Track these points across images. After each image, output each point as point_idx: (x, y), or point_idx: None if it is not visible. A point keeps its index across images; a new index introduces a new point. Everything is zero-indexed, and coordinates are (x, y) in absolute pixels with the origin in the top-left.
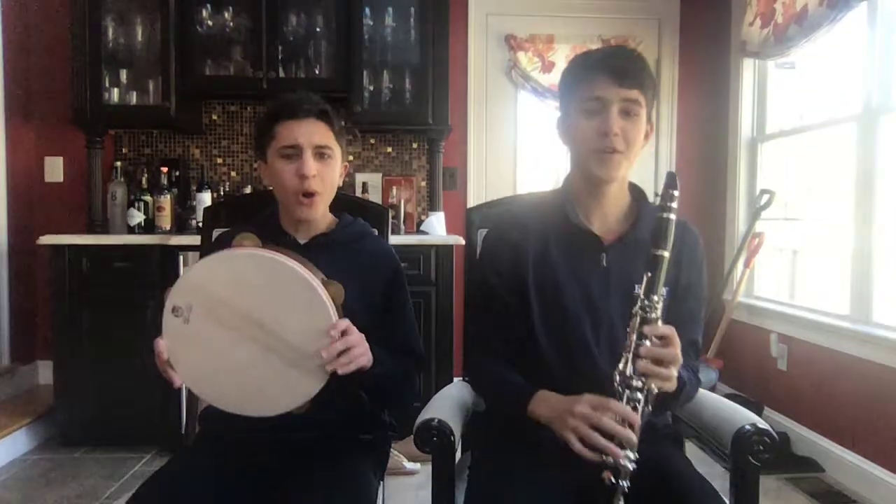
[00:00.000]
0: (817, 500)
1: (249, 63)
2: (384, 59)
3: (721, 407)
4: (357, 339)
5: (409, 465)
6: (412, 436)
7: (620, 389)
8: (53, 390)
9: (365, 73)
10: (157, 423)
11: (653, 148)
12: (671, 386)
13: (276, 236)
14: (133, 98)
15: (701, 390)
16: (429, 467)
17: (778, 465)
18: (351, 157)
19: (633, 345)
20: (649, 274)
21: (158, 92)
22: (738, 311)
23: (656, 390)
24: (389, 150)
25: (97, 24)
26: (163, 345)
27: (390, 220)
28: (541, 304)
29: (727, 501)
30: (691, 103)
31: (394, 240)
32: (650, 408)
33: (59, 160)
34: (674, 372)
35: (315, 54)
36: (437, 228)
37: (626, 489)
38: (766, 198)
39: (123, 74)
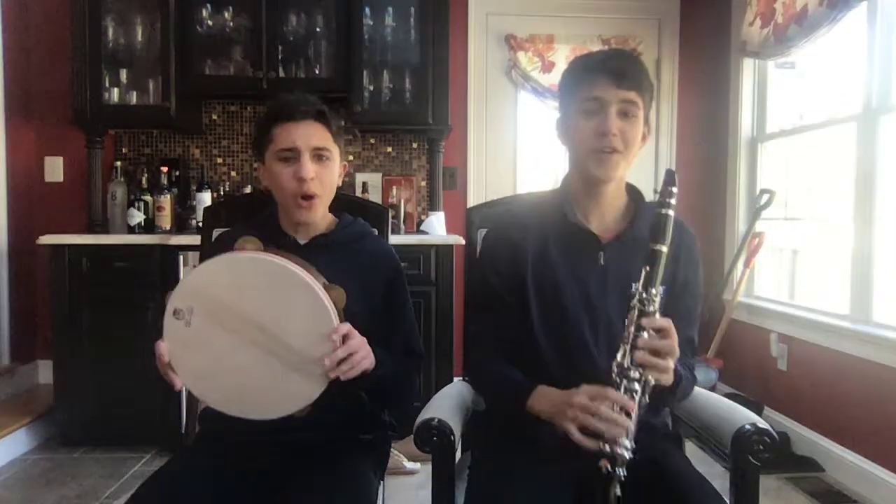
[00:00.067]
0: (817, 500)
1: (249, 63)
2: (384, 59)
3: (721, 407)
4: (358, 343)
5: (409, 465)
6: (412, 436)
7: (618, 380)
8: (53, 390)
9: (365, 73)
10: (157, 423)
11: (652, 148)
12: (668, 379)
13: (275, 237)
14: (133, 98)
15: (701, 390)
16: (429, 467)
17: (778, 465)
18: (351, 157)
19: (631, 336)
20: (647, 268)
21: (158, 92)
22: (738, 310)
23: (653, 382)
24: (389, 149)
25: (97, 24)
26: (164, 347)
27: (390, 219)
28: (540, 303)
29: (727, 501)
30: (691, 103)
31: (394, 240)
32: (647, 399)
33: (59, 160)
34: (671, 364)
35: (315, 54)
36: (437, 228)
37: (623, 477)
38: (766, 198)
39: (123, 74)
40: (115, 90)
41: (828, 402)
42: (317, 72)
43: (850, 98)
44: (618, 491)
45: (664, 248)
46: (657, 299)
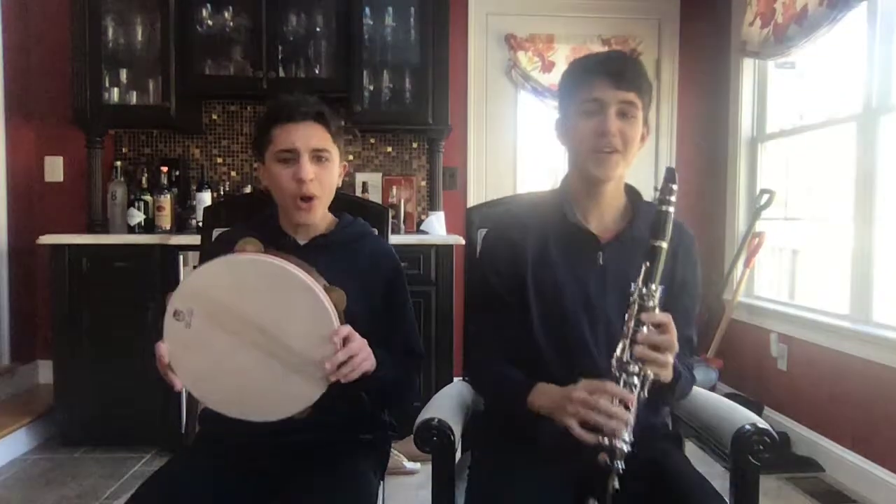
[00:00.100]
0: (817, 500)
1: (249, 63)
2: (384, 59)
3: (721, 407)
4: (359, 345)
5: (409, 465)
6: (412, 436)
7: (617, 374)
8: (53, 390)
9: (365, 72)
10: (157, 423)
11: (652, 148)
12: (667, 374)
13: (275, 237)
14: (133, 98)
15: (701, 390)
16: (429, 467)
17: (778, 465)
18: (351, 157)
19: (631, 331)
20: (647, 263)
21: (158, 92)
22: (738, 310)
23: (652, 376)
24: (389, 149)
25: (97, 24)
26: (164, 348)
27: (390, 219)
28: (539, 303)
29: (727, 501)
30: (691, 103)
31: (394, 239)
32: (646, 393)
33: (59, 160)
34: (670, 359)
35: (315, 54)
36: (437, 228)
37: (622, 470)
38: (766, 198)
39: (123, 74)
40: (115, 90)
41: (828, 402)
42: (317, 72)
43: (850, 98)
44: (616, 484)
45: (664, 245)
46: (657, 294)
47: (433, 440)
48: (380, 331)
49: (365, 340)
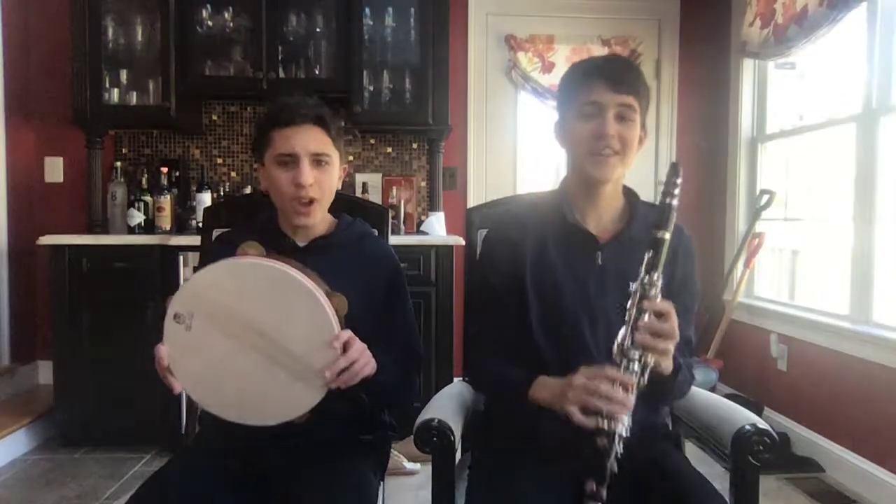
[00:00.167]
0: (817, 500)
1: (249, 63)
2: (384, 59)
3: (721, 407)
4: (359, 351)
5: (409, 465)
6: (412, 436)
7: (618, 360)
8: (53, 390)
9: (365, 73)
10: (157, 423)
11: (652, 148)
12: (668, 364)
13: (274, 239)
14: (133, 98)
15: (701, 390)
16: (429, 467)
17: (778, 465)
18: (351, 157)
19: (633, 318)
20: (650, 252)
21: (158, 92)
22: (738, 311)
23: (652, 363)
24: (389, 150)
25: (97, 24)
26: (163, 351)
27: (390, 220)
28: (539, 303)
29: (727, 501)
30: (691, 103)
31: (394, 240)
32: (646, 379)
33: (59, 160)
34: (670, 347)
35: (315, 54)
36: (437, 228)
37: (620, 454)
38: (766, 198)
39: (123, 74)
40: (115, 90)
41: (828, 403)
42: (317, 72)
43: (850, 98)
44: (615, 467)
45: (667, 236)
46: (659, 283)
47: (433, 440)
48: (380, 331)
49: (365, 345)
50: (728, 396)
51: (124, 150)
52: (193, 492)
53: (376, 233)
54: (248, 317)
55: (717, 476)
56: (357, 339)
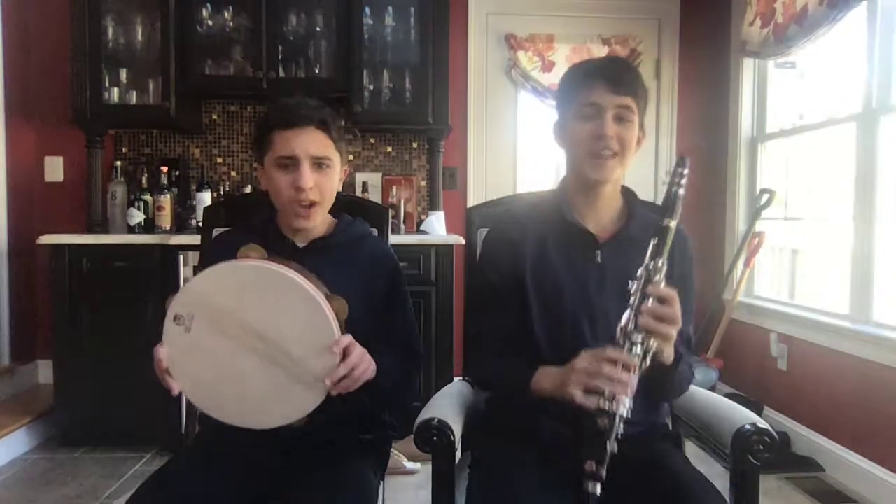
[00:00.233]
0: (817, 500)
1: (249, 63)
2: (384, 59)
3: (721, 407)
4: (359, 356)
5: (409, 465)
6: (412, 436)
7: (622, 343)
8: (53, 390)
9: (365, 72)
10: (157, 423)
11: (653, 148)
12: (669, 351)
13: (274, 240)
14: (133, 98)
15: (701, 390)
16: (429, 467)
17: (778, 465)
18: (351, 157)
19: (637, 302)
20: (656, 239)
21: (158, 92)
22: (738, 310)
23: (654, 347)
24: (389, 149)
25: (97, 24)
26: (162, 352)
27: (390, 219)
28: (539, 303)
29: (727, 501)
30: (691, 103)
31: (394, 239)
32: (648, 362)
33: (59, 160)
34: (673, 332)
35: (315, 54)
36: (437, 228)
37: (620, 435)
38: (766, 197)
39: (123, 74)
40: (115, 90)
41: (828, 402)
42: (317, 72)
43: (850, 98)
44: (615, 448)
45: (672, 224)
46: (663, 270)
47: (433, 440)
48: (379, 331)
49: (365, 350)
50: (728, 396)
51: (124, 150)
52: (193, 492)
53: (376, 232)
54: (249, 320)
55: (717, 476)
56: (357, 344)
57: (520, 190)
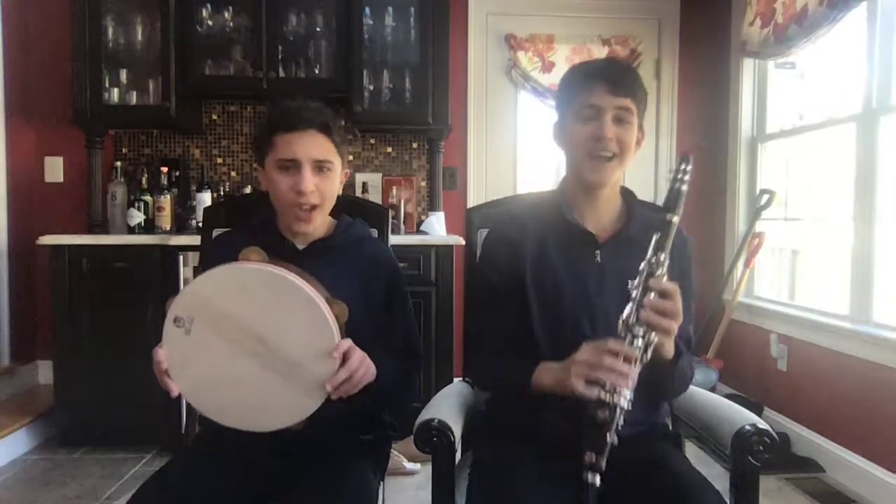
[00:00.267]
0: (817, 500)
1: (249, 63)
2: (384, 59)
3: (721, 407)
4: (359, 360)
5: (409, 465)
6: (412, 436)
7: (623, 335)
8: (53, 390)
9: (365, 72)
10: (157, 423)
11: (653, 148)
12: (670, 346)
13: (274, 242)
14: (133, 98)
15: (701, 390)
16: (429, 467)
17: (778, 465)
18: (351, 157)
19: (639, 296)
20: (658, 234)
21: (158, 92)
22: (738, 311)
23: (656, 340)
24: (389, 150)
25: (97, 24)
26: (162, 354)
27: (390, 220)
28: (539, 302)
29: (727, 501)
30: (691, 103)
31: (394, 240)
32: (649, 355)
33: (59, 160)
34: (674, 326)
35: (315, 54)
36: (437, 228)
37: (620, 426)
38: (766, 198)
39: (123, 74)
40: (115, 90)
41: (828, 403)
42: (317, 72)
43: (850, 98)
44: (615, 440)
45: (675, 219)
46: (665, 264)
47: (433, 440)
48: (379, 332)
49: (365, 354)
50: (728, 396)
51: (124, 150)
52: (193, 492)
53: (376, 233)
54: (249, 323)
55: (717, 476)
56: (357, 348)
57: (520, 190)
